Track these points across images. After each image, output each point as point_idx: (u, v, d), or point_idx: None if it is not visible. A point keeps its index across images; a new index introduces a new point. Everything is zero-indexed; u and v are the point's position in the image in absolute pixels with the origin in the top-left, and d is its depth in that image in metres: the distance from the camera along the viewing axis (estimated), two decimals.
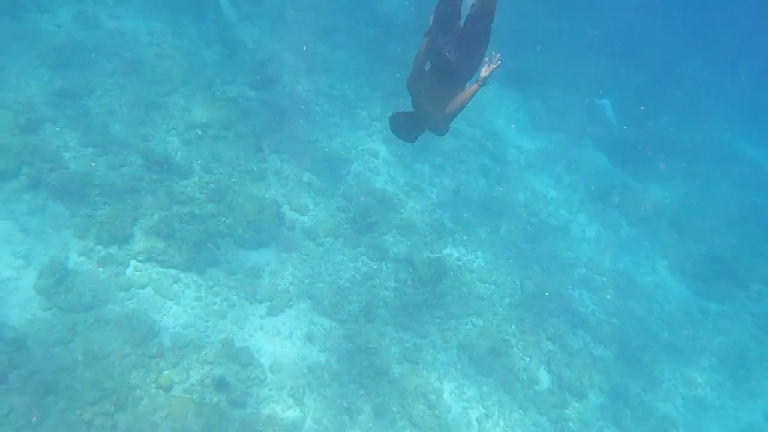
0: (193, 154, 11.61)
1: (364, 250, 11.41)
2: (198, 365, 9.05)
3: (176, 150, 11.52)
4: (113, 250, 9.71)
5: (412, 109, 5.92)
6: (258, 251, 10.76)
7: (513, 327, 11.56)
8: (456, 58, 5.53)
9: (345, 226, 11.63)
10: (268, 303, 10.17)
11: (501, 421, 10.29)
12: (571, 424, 10.67)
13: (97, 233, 9.68)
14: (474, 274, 12.18)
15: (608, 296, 13.26)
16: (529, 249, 13.38)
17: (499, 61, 5.47)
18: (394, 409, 9.84)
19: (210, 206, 10.79)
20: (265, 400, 9.20)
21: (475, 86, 5.63)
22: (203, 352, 9.16)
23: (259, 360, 9.50)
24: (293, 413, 9.27)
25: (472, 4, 5.39)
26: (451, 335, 10.99)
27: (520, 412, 10.54)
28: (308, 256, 10.98)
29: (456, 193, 13.82)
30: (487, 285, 12.13)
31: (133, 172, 10.74)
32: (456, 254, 12.42)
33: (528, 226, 14.03)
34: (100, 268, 9.39)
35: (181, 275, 9.96)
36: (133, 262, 9.77)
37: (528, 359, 11.20)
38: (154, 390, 8.62)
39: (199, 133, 12.00)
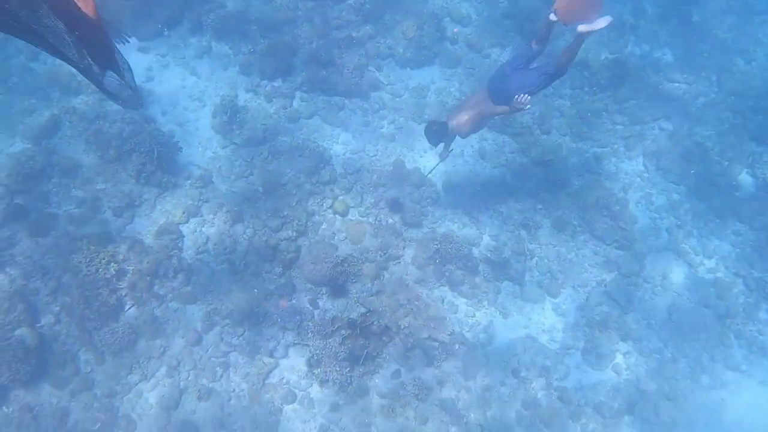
0: None
1: None
2: (371, 189, 9.14)
3: None
4: (278, 83, 9.77)
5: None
6: (421, 69, 10.29)
7: (708, 129, 10.30)
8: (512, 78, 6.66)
9: (512, 33, 10.68)
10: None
11: (695, 231, 9.51)
12: None
13: (260, 68, 9.74)
14: (661, 74, 10.83)
15: None
16: (730, 38, 11.56)
17: (528, 106, 6.54)
18: (575, 223, 9.42)
19: (367, 28, 10.36)
20: (441, 219, 9.18)
21: (506, 108, 6.72)
22: (375, 176, 9.20)
23: (431, 180, 9.37)
24: (469, 231, 9.21)
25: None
26: (636, 142, 10.06)
27: (718, 221, 9.63)
28: (474, 69, 10.33)
29: None
30: (677, 84, 10.77)
31: (287, 2, 10.49)
32: (639, 52, 11.05)
33: (727, 12, 12.06)
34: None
35: (346, 101, 9.86)
36: (298, 93, 9.80)
37: (726, 163, 10.02)
38: (331, 215, 8.91)
39: None
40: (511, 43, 10.58)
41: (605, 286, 9.07)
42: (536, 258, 9.25)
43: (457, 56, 10.40)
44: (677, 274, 9.21)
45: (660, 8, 11.58)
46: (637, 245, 9.23)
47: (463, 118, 7.13)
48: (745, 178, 9.99)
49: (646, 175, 9.85)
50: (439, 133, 7.31)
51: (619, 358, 8.78)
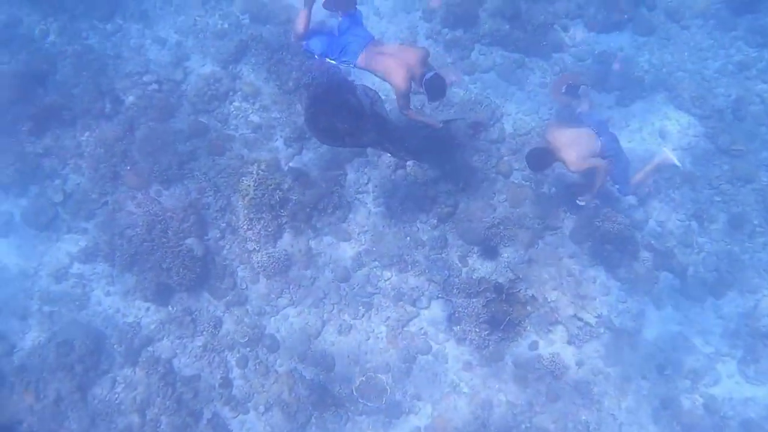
0: None
1: (741, 33, 9.43)
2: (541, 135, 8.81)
3: None
4: (459, 32, 9.53)
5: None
6: (610, 34, 9.61)
7: None
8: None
9: (719, 5, 9.64)
10: (618, 92, 9.25)
11: None
12: None
13: (443, 16, 9.52)
14: None
15: None
16: None
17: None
18: (755, 222, 8.63)
19: None
20: (607, 196, 8.73)
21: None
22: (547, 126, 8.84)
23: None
24: (636, 213, 8.70)
25: None
26: None
27: None
28: (669, 40, 9.53)
29: None
30: None
31: None
32: None
33: None
34: None
35: (526, 59, 9.47)
36: (477, 45, 9.54)
37: None
38: (493, 175, 8.73)
39: None
40: (715, 16, 9.56)
41: None
42: (704, 253, 8.62)
43: (652, 23, 9.61)
44: None
45: None
46: None
47: (583, 162, 7.16)
48: None
49: None
50: (544, 161, 7.15)
51: None
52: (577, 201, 7.70)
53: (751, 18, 9.49)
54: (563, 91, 8.43)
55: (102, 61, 9.31)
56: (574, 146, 7.10)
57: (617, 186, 7.78)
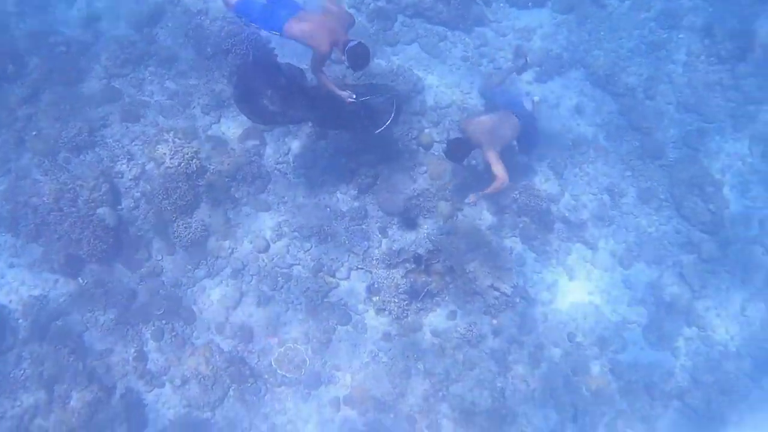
0: None
1: (653, 15, 9.74)
2: (458, 126, 8.91)
3: None
4: (382, 3, 9.46)
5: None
6: (531, 11, 9.75)
7: None
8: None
9: None
10: (537, 68, 9.41)
11: None
12: None
13: None
14: None
15: None
16: None
17: None
18: (662, 197, 9.01)
19: None
20: (524, 170, 8.92)
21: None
22: (465, 114, 8.93)
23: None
24: (551, 186, 8.93)
25: None
26: (746, 123, 9.35)
27: None
28: (588, 19, 9.73)
29: None
30: None
31: None
32: None
33: None
34: None
35: (448, 33, 9.52)
36: (401, 17, 9.50)
37: None
38: (414, 146, 8.75)
39: None
40: None
41: (681, 267, 8.74)
42: (615, 226, 8.94)
43: (572, 2, 9.80)
44: (761, 272, 8.75)
45: None
46: (724, 232, 8.79)
47: (496, 155, 7.43)
48: None
49: (749, 159, 9.22)
50: (462, 151, 7.49)
51: (680, 342, 8.56)
52: (466, 201, 8.06)
53: (664, 1, 9.81)
54: (521, 64, 8.62)
55: (2, 19, 8.75)
56: (490, 134, 7.41)
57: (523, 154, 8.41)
